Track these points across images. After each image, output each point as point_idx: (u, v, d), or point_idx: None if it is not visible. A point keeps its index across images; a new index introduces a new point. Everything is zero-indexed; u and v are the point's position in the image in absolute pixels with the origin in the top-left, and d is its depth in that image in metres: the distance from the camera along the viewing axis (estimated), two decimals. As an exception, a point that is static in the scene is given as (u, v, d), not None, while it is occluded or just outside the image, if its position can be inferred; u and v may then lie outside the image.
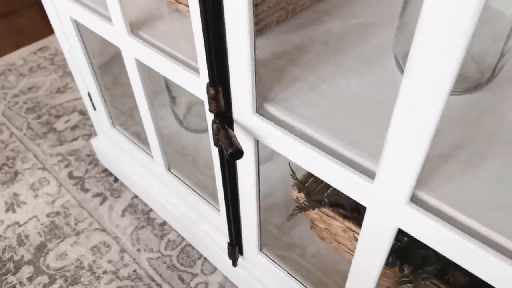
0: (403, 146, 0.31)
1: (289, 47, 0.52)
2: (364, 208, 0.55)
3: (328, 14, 0.56)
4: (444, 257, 0.50)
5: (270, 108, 0.44)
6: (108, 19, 0.58)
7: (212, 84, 0.43)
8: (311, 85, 0.46)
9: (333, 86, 0.46)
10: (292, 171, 0.57)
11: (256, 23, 0.52)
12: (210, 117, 0.50)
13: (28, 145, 1.10)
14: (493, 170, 0.36)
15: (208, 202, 0.72)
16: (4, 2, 1.78)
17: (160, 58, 0.52)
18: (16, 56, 1.43)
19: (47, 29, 1.56)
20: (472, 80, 0.44)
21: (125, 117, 1.02)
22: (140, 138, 0.92)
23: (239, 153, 0.41)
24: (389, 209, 0.36)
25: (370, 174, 0.37)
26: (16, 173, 1.02)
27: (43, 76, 1.33)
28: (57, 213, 0.93)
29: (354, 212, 0.55)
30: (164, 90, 0.91)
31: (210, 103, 0.44)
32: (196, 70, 0.49)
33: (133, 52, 0.56)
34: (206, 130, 0.95)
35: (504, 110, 0.42)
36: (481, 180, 0.36)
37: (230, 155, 0.41)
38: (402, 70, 0.47)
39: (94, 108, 0.85)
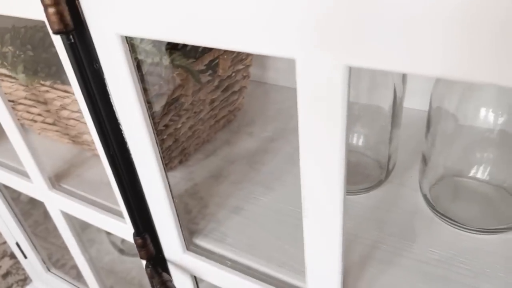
0: (319, 265, 0.34)
1: (209, 173, 0.55)
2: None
3: (239, 133, 0.61)
4: None
5: (200, 242, 0.46)
6: (27, 175, 0.59)
7: (138, 234, 0.44)
8: (234, 209, 0.49)
9: (255, 205, 0.49)
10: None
11: (174, 157, 0.55)
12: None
13: (-46, 307, 1.00)
14: (412, 265, 0.40)
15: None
16: None
17: (85, 208, 0.52)
18: None
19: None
20: (374, 178, 0.49)
21: (62, 251, 0.98)
22: (80, 272, 0.88)
23: (175, 299, 0.41)
24: (326, 326, 0.38)
25: (302, 294, 0.39)
26: None
27: (-35, 224, 1.25)
28: None
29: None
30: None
31: (139, 251, 0.45)
32: (122, 216, 0.50)
33: (57, 205, 0.57)
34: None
35: (404, 199, 0.47)
36: (403, 277, 0.39)
37: (167, 302, 0.41)
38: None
39: (25, 257, 0.81)
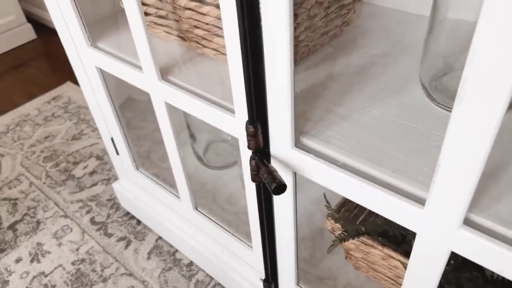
0: (457, 170, 0.32)
1: (315, 82, 0.53)
2: (402, 236, 0.55)
3: (346, 48, 0.58)
4: (491, 279, 0.50)
5: (307, 141, 0.45)
6: (137, 66, 0.61)
7: (251, 122, 0.44)
8: (343, 116, 0.47)
9: (364, 116, 0.47)
10: (327, 202, 0.58)
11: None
12: (246, 154, 0.52)
13: (48, 193, 1.11)
14: (539, 188, 0.37)
15: (239, 239, 0.72)
16: (13, 55, 1.84)
17: (194, 100, 0.53)
18: (30, 107, 1.46)
19: (58, 79, 1.61)
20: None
21: (142, 160, 1.04)
22: (159, 179, 0.93)
23: (282, 187, 0.42)
24: (441, 233, 0.37)
25: (417, 200, 0.38)
26: (38, 223, 1.02)
27: (58, 125, 1.35)
28: (83, 260, 0.92)
29: (393, 240, 0.55)
30: (182, 129, 0.93)
31: (249, 141, 0.45)
32: (229, 110, 0.51)
33: (164, 96, 0.58)
34: (224, 167, 0.96)
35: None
36: (528, 198, 0.36)
37: (274, 189, 0.41)
38: (429, 95, 0.48)
39: (117, 153, 0.86)
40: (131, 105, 1.05)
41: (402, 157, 0.41)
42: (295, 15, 0.50)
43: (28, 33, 1.92)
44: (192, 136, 0.90)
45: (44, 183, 1.14)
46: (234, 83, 0.45)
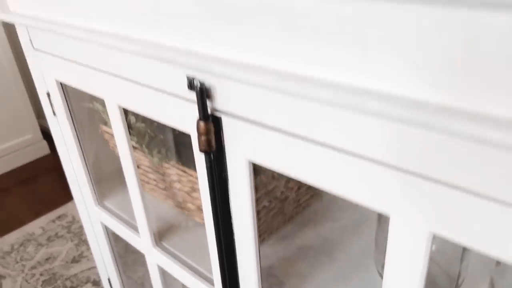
0: None
1: (287, 254, 0.62)
2: None
3: (319, 217, 0.68)
4: None
5: (276, 321, 0.52)
6: (135, 228, 0.70)
7: (227, 306, 0.52)
8: (309, 294, 0.55)
9: (329, 294, 0.54)
10: None
11: (260, 234, 0.63)
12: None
13: (42, 322, 1.13)
14: None
15: None
16: (24, 169, 1.96)
17: (180, 269, 0.61)
18: (35, 225, 1.54)
19: (65, 196, 1.71)
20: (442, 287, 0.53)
21: (135, 286, 1.08)
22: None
23: None
24: None
25: None
26: None
27: (60, 246, 1.42)
28: None
29: None
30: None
31: (225, 320, 0.52)
32: (210, 282, 0.58)
33: (157, 260, 0.66)
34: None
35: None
36: None
37: None
38: (382, 277, 0.56)
39: (113, 292, 0.92)
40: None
41: None
42: (270, 201, 0.60)
43: (42, 149, 2.07)
44: None
45: (39, 310, 1.17)
46: (214, 264, 0.53)
